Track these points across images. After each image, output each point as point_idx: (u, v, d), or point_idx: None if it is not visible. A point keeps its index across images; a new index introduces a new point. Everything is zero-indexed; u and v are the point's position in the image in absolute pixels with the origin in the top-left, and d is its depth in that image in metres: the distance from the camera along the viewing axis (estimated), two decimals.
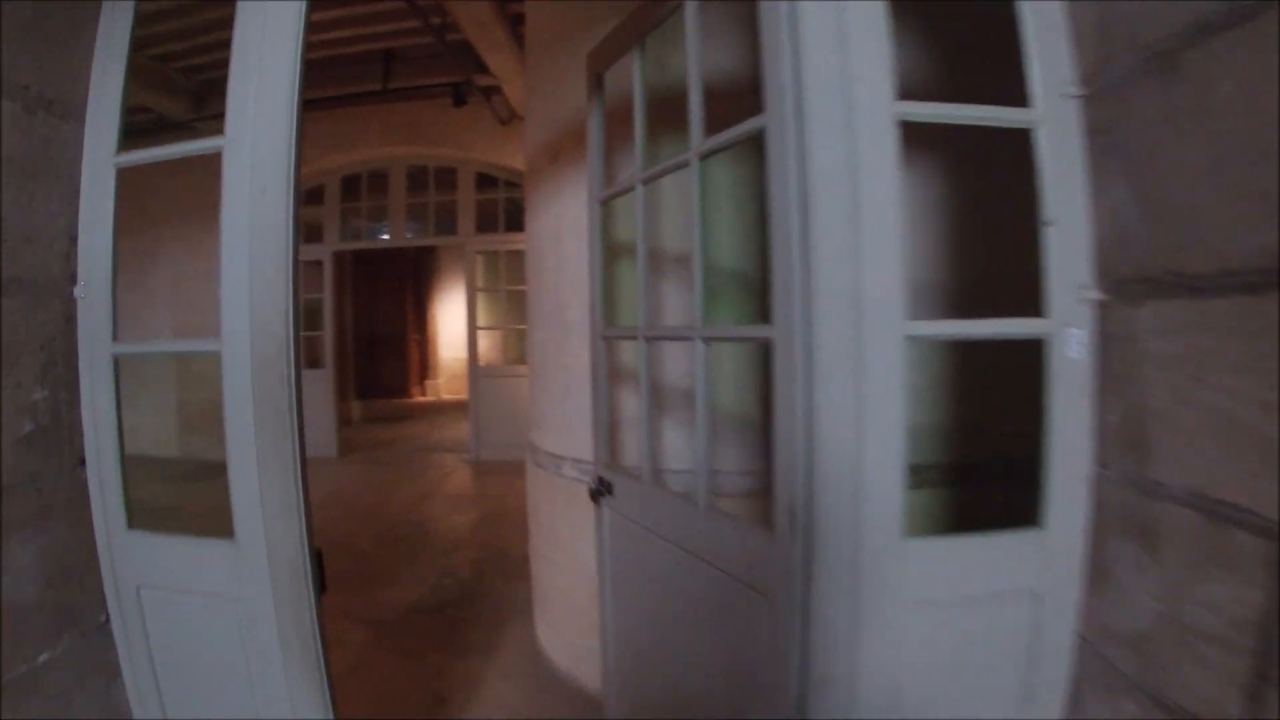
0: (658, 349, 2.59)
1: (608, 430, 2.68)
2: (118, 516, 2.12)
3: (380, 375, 17.43)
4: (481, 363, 9.61)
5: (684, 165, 2.01)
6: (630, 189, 2.33)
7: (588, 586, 2.98)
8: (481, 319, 9.68)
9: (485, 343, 9.94)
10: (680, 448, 2.80)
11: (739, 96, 1.87)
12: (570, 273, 3.32)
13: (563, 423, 3.44)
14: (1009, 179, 1.69)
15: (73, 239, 2.11)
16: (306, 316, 10.22)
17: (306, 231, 10.39)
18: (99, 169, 2.09)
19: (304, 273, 10.25)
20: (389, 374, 17.67)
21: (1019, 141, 1.60)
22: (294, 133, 1.85)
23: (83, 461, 2.14)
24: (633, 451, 2.80)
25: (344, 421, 12.58)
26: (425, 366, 18.46)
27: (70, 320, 2.11)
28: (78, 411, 2.13)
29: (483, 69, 7.26)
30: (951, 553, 1.62)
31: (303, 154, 1.97)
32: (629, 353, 2.85)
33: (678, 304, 2.78)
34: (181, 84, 8.37)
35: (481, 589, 4.93)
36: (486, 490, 7.79)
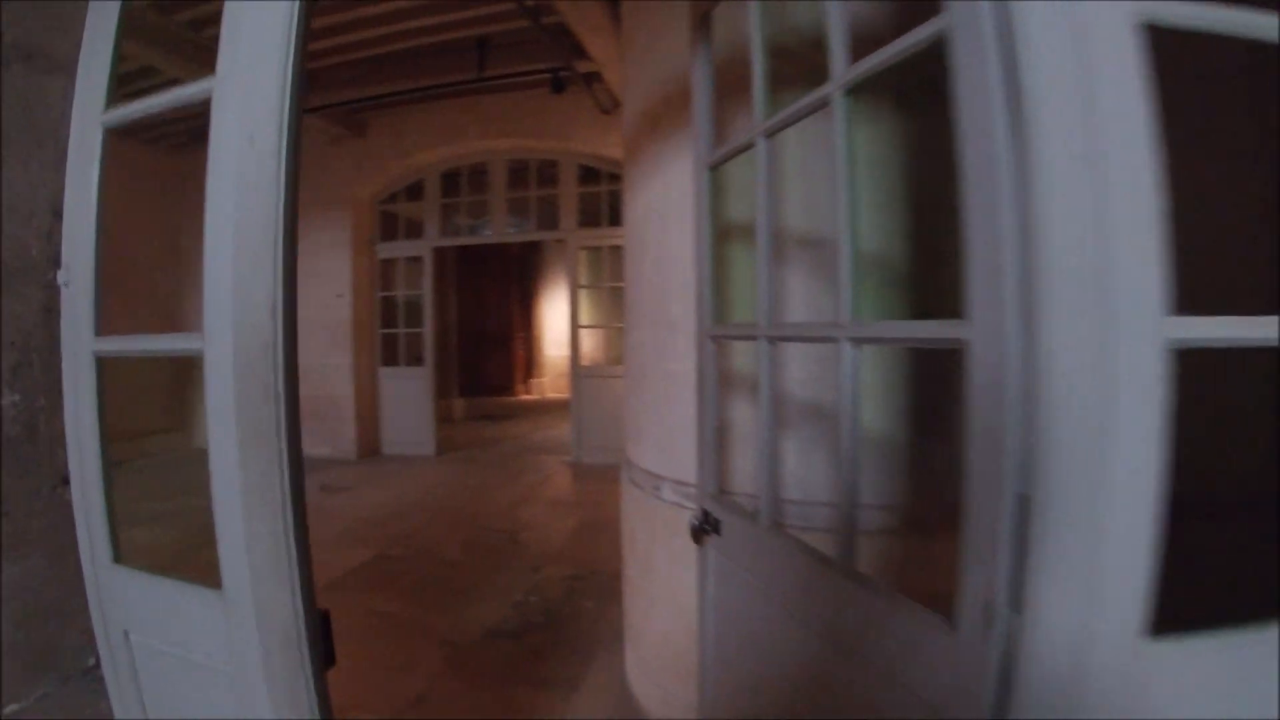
0: (779, 352, 2.05)
1: (716, 450, 2.16)
2: (102, 547, 1.73)
3: (485, 373, 17.32)
4: (584, 362, 9.22)
5: (821, 106, 1.49)
6: (748, 146, 1.82)
7: (686, 627, 2.50)
8: (584, 317, 9.30)
9: (588, 341, 9.56)
10: (800, 473, 2.28)
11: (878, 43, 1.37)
12: (673, 260, 2.81)
13: (663, 437, 2.93)
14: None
15: (58, 214, 1.73)
16: (407, 313, 10.03)
17: (407, 227, 10.20)
18: (86, 129, 1.70)
19: (404, 269, 10.12)
20: (494, 372, 17.55)
21: None
22: (291, 69, 1.39)
23: (66, 480, 1.77)
24: (744, 475, 2.29)
25: (446, 419, 12.43)
26: (530, 364, 18.29)
27: (51, 312, 1.74)
28: (60, 421, 1.74)
29: (582, 54, 6.85)
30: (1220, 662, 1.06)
31: (305, 100, 1.51)
32: (742, 356, 2.34)
33: (801, 297, 2.25)
34: None
35: (570, 611, 4.49)
36: (585, 496, 7.38)
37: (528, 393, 18.10)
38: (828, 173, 1.45)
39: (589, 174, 9.12)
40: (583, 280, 9.30)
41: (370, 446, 10.08)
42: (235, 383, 1.38)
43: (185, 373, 11.52)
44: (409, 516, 6.77)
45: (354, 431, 9.88)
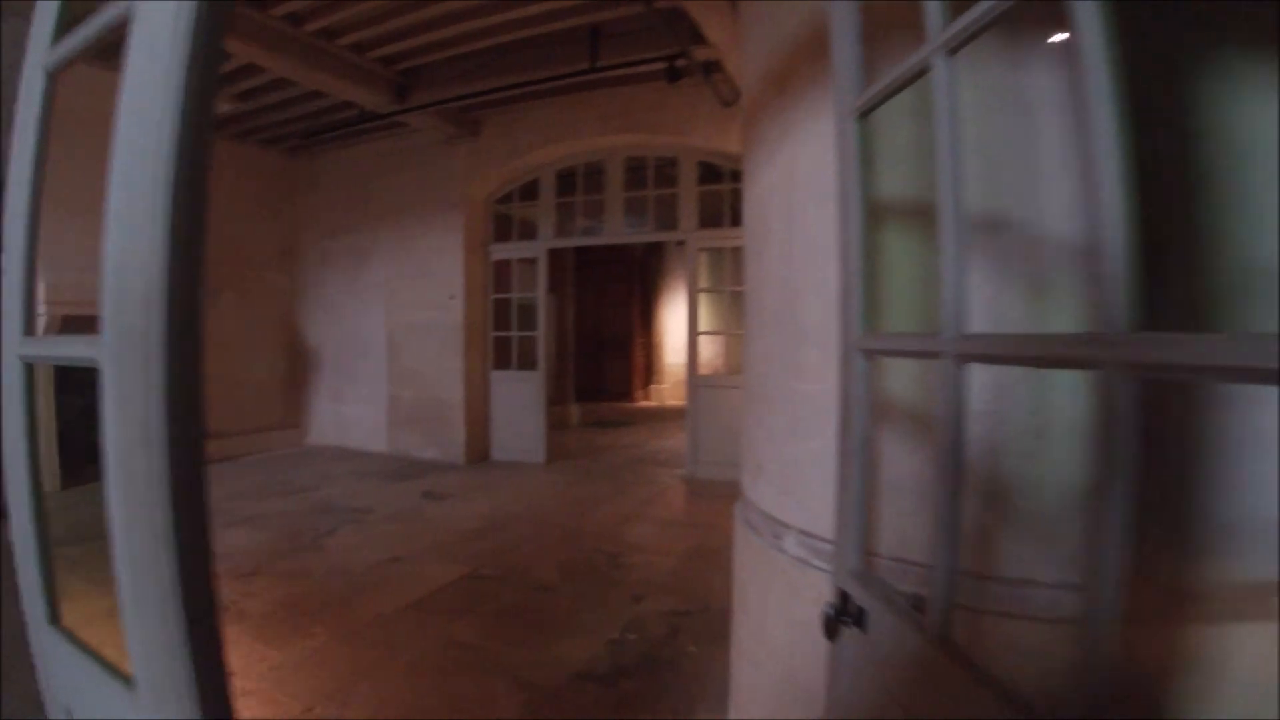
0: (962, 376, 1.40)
1: (862, 507, 1.58)
2: (36, 602, 1.28)
3: (604, 378, 17.02)
4: (702, 370, 8.67)
5: None
6: (918, 74, 1.23)
7: (805, 713, 1.94)
8: (703, 323, 8.76)
9: (707, 349, 9.00)
10: (985, 539, 1.67)
11: None
12: (806, 252, 2.23)
13: (788, 475, 2.34)
14: None
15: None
16: (521, 316, 9.69)
17: (521, 228, 9.86)
18: (29, 73, 1.31)
19: (519, 271, 9.78)
20: (612, 377, 17.23)
21: None
22: None
23: (4, 514, 1.35)
24: (894, 530, 1.70)
25: (560, 425, 12.10)
26: (650, 370, 17.86)
27: None
28: None
29: (699, 39, 6.34)
30: None
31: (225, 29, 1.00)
32: (892, 378, 1.75)
33: (977, 301, 1.63)
34: (380, 74, 7.97)
35: (671, 655, 3.97)
36: (698, 516, 6.85)
37: (646, 399, 17.69)
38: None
39: (709, 172, 8.60)
40: (702, 283, 8.75)
41: (479, 452, 9.79)
42: (111, 405, 0.89)
43: (299, 367, 11.54)
44: (508, 530, 6.38)
45: (463, 436, 9.61)
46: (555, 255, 9.88)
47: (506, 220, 10.00)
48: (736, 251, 8.27)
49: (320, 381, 11.38)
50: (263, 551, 5.87)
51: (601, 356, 17.27)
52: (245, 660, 3.86)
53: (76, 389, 9.01)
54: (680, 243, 16.39)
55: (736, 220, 8.33)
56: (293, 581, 5.12)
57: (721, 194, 8.50)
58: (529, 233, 9.81)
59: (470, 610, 4.53)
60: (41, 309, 7.85)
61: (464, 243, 9.58)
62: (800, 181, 2.28)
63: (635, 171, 9.10)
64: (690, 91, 7.88)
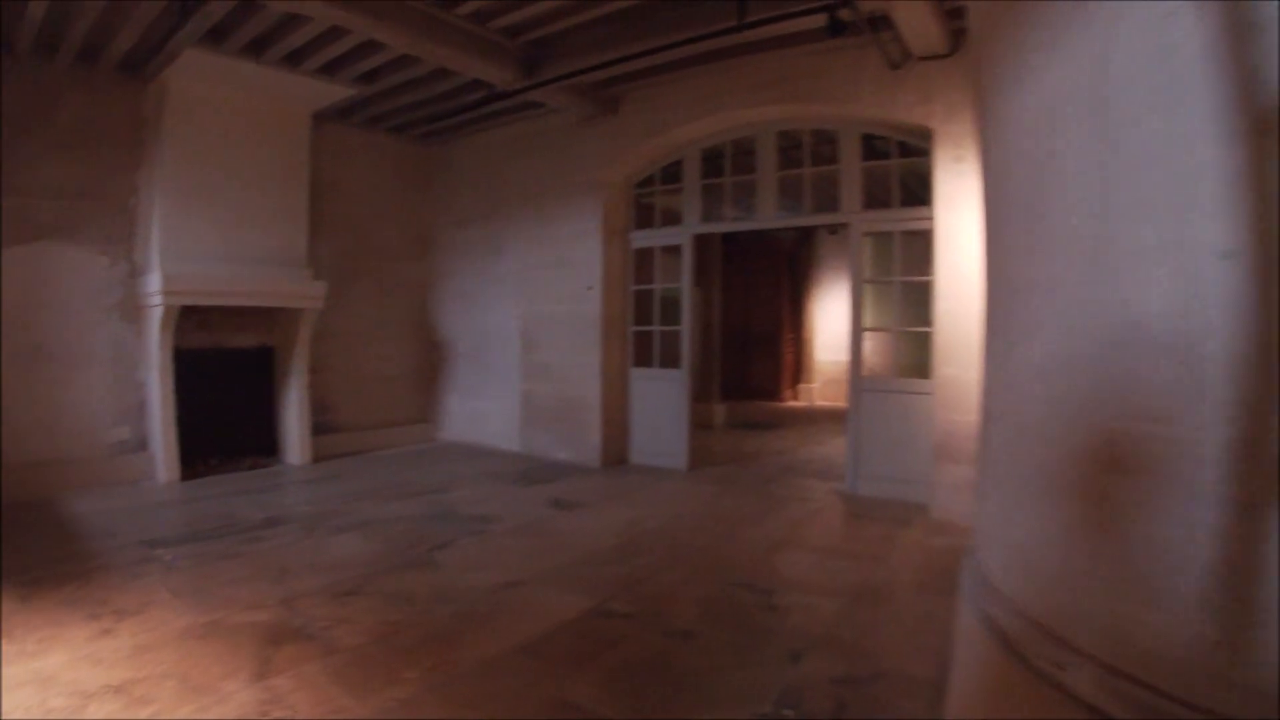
0: None
1: None
2: None
3: (750, 376, 16.15)
4: (865, 371, 7.64)
5: None
6: None
7: None
8: (867, 318, 7.71)
9: (870, 346, 7.91)
10: None
11: None
12: (1140, 191, 1.33)
13: (1099, 573, 1.44)
14: None
15: None
16: (663, 309, 8.91)
17: (664, 214, 9.07)
18: None
19: (661, 260, 8.98)
20: (760, 375, 16.34)
21: None
22: None
23: None
24: None
25: (704, 425, 11.28)
26: (799, 369, 16.82)
27: None
28: None
29: None
30: None
31: None
32: None
33: None
34: (505, 47, 7.33)
35: None
36: (862, 544, 5.88)
37: (795, 399, 16.69)
38: None
39: (874, 146, 7.55)
40: (867, 273, 7.71)
41: (616, 454, 9.09)
42: None
43: (432, 360, 11.13)
44: (643, 552, 5.60)
45: (598, 437, 8.93)
46: (700, 244, 9.03)
47: (648, 205, 9.24)
48: (908, 236, 7.25)
49: (453, 375, 10.95)
50: (369, 565, 5.30)
51: (748, 353, 16.37)
52: (319, 710, 3.22)
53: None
54: (833, 231, 15.67)
55: (909, 199, 7.33)
56: (394, 606, 4.48)
57: (889, 170, 7.44)
58: (672, 218, 9.02)
59: (591, 660, 3.75)
60: (157, 299, 7.62)
61: (602, 230, 8.89)
62: (1120, 81, 1.37)
63: (789, 148, 8.15)
64: (851, 54, 6.92)
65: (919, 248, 7.22)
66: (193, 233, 8.09)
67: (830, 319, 16.59)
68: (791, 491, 7.71)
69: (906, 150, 7.23)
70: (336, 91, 8.46)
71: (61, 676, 3.49)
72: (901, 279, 7.33)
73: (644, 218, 9.26)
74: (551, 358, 9.44)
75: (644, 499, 7.37)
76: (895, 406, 7.25)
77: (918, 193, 7.37)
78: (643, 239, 9.12)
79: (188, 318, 8.18)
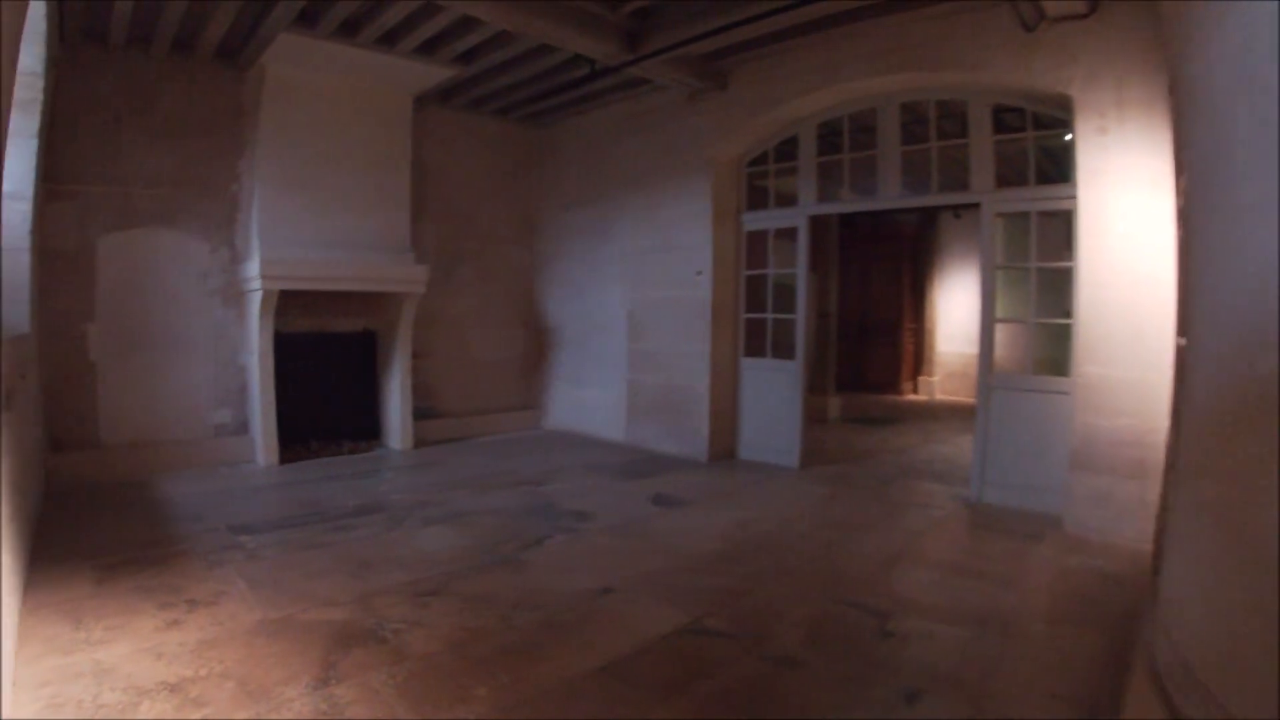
0: None
1: None
2: None
3: (866, 367, 15.47)
4: (995, 366, 6.98)
5: None
6: None
7: None
8: (999, 308, 7.04)
9: (1001, 339, 7.22)
10: None
11: None
12: None
13: None
14: None
15: None
16: (777, 296, 8.42)
17: (778, 194, 8.55)
18: None
19: (775, 244, 8.48)
20: (877, 366, 15.64)
21: None
22: None
23: None
24: None
25: (818, 419, 10.76)
26: (919, 360, 15.99)
27: None
28: None
29: None
30: None
31: None
32: None
33: None
34: (607, 19, 6.95)
35: None
36: (988, 561, 5.28)
37: (914, 393, 15.86)
38: None
39: (1006, 118, 6.87)
40: (1000, 258, 7.02)
41: (724, 448, 8.66)
42: None
43: (538, 345, 10.90)
44: (747, 560, 5.17)
45: (706, 430, 8.52)
46: (817, 227, 8.48)
47: (761, 186, 8.73)
48: (1047, 218, 6.56)
49: (559, 362, 10.70)
50: (455, 562, 5.06)
51: (865, 343, 15.68)
52: None
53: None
54: (958, 214, 14.75)
55: (1046, 176, 6.66)
56: (475, 610, 4.19)
57: (1024, 144, 6.73)
58: (787, 199, 8.48)
59: (681, 688, 3.35)
60: (256, 284, 7.57)
61: (712, 211, 8.44)
62: None
63: (913, 123, 7.52)
64: (980, 16, 6.29)
65: (1058, 230, 6.57)
66: (292, 218, 8.09)
67: (954, 308, 15.69)
68: (910, 496, 7.14)
69: (1042, 122, 6.55)
70: (435, 73, 8.27)
71: (121, 669, 3.35)
72: (1038, 265, 6.65)
73: (757, 199, 8.76)
74: (659, 346, 9.06)
75: (751, 499, 6.93)
76: (1028, 406, 6.61)
77: (1056, 169, 6.70)
78: (755, 221, 8.63)
79: (290, 302, 8.20)
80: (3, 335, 3.90)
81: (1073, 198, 6.07)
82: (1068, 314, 6.24)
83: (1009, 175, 6.99)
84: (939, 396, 15.59)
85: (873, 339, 15.73)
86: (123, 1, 6.30)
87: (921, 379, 15.93)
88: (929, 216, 15.64)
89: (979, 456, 6.91)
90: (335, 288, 8.36)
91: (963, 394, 15.21)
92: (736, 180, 8.67)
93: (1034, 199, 6.60)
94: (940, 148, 7.23)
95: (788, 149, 8.33)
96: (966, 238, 15.14)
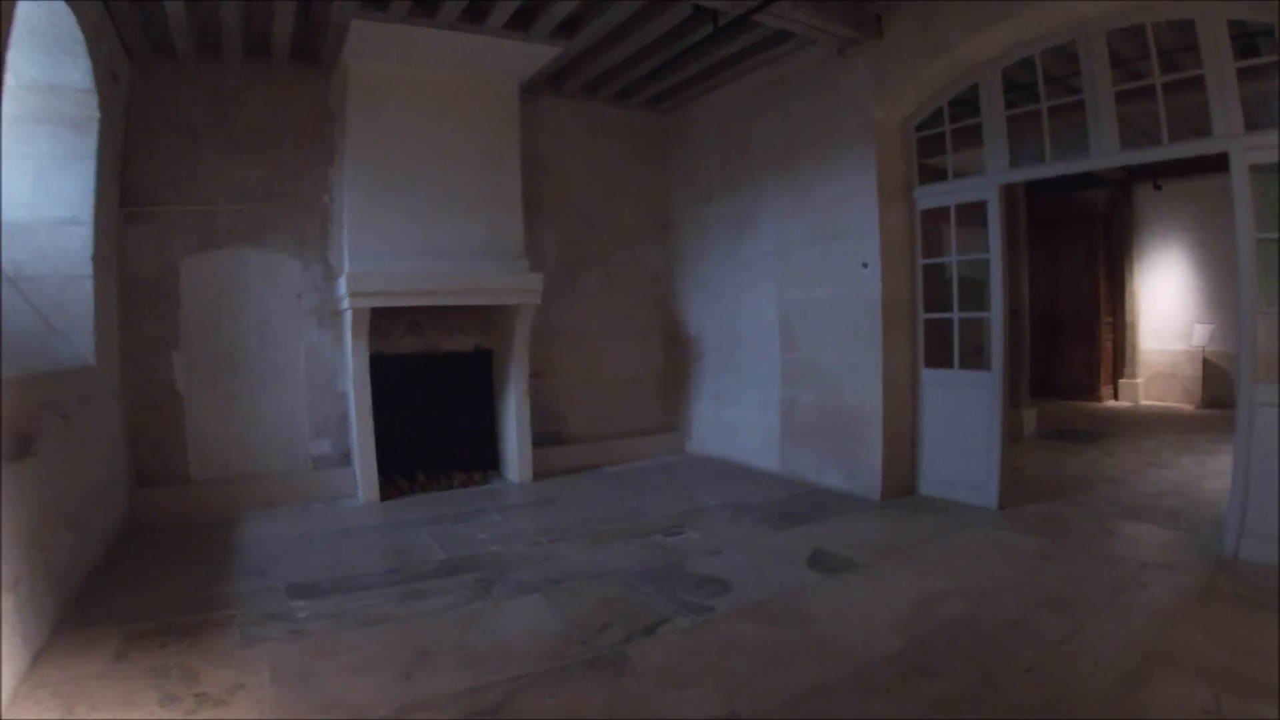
0: None
1: None
2: None
3: (1059, 370, 13.51)
4: (1262, 373, 5.05)
5: None
6: None
7: None
8: (1261, 293, 5.09)
9: (1265, 335, 5.23)
10: None
11: None
12: None
13: None
14: None
15: None
16: (962, 291, 6.78)
17: (956, 163, 6.86)
18: None
19: (957, 224, 6.81)
20: (1071, 369, 13.65)
21: None
22: None
23: None
24: None
25: (1011, 435, 8.96)
26: (1119, 361, 13.79)
27: None
28: None
29: None
30: None
31: None
32: None
33: None
34: None
35: None
36: (1272, 664, 3.51)
37: (1114, 398, 13.68)
38: None
39: (1252, 39, 5.01)
40: (1261, 225, 5.08)
41: (901, 482, 7.03)
42: None
43: (678, 359, 9.58)
44: (938, 669, 3.62)
45: (879, 458, 6.92)
46: (1007, 197, 6.72)
47: (936, 152, 7.03)
48: None
49: (701, 376, 9.30)
50: (537, 658, 3.82)
51: (1056, 342, 13.71)
52: None
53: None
54: (1158, 185, 12.48)
55: None
56: None
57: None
58: (970, 167, 6.75)
59: None
60: (345, 302, 6.69)
61: (877, 188, 6.79)
62: None
63: (1129, 59, 5.76)
64: None
65: None
66: (383, 227, 7.21)
67: (1159, 299, 13.44)
68: (1145, 551, 5.35)
69: None
70: (534, 52, 7.16)
71: None
72: None
73: (931, 169, 7.10)
74: (817, 356, 7.51)
75: (938, 558, 5.31)
76: None
77: None
78: (931, 197, 6.95)
79: (395, 321, 7.53)
80: (1, 377, 3.36)
81: None
82: None
83: (1263, 113, 5.14)
84: (1144, 402, 13.39)
85: (1065, 337, 13.70)
86: (173, 2, 5.65)
87: (1122, 382, 13.72)
88: (1123, 191, 13.53)
89: (1238, 497, 5.06)
90: (435, 302, 7.36)
91: (1172, 399, 13.16)
92: (904, 148, 7.03)
93: None
94: (1166, 84, 5.41)
95: (966, 104, 6.64)
96: (1170, 214, 13.07)
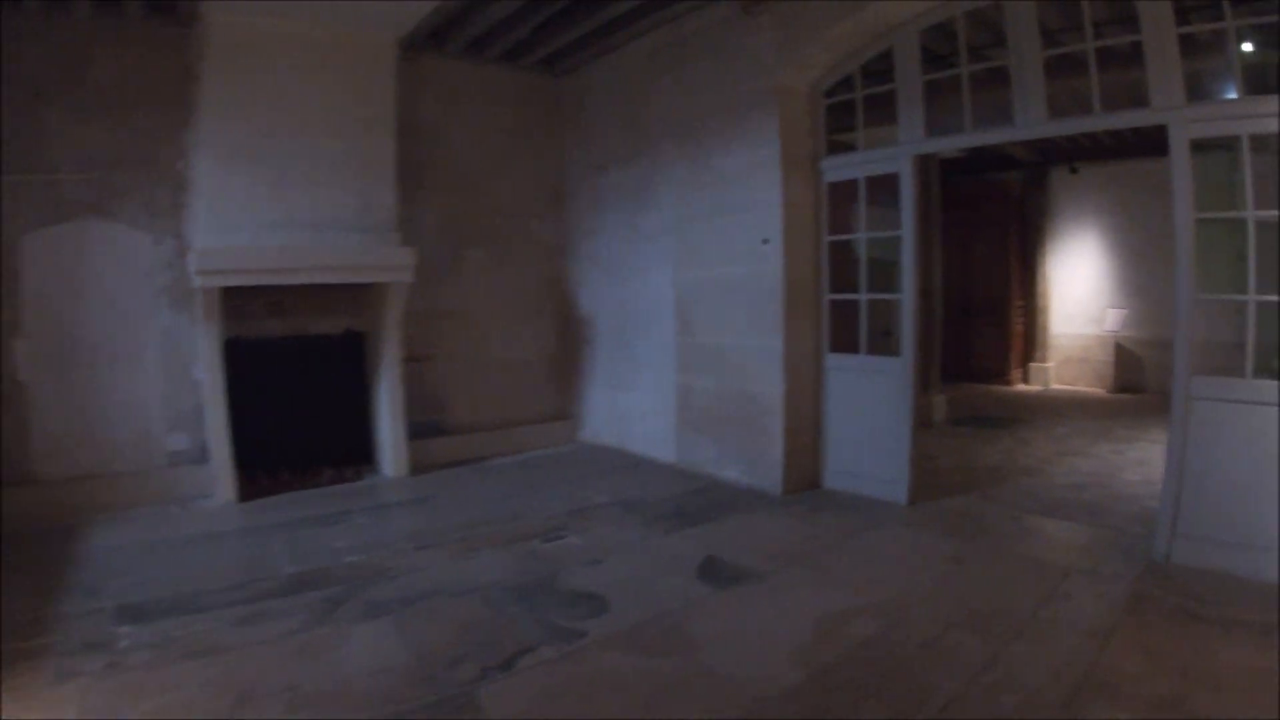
0: None
1: None
2: None
3: (970, 354, 13.24)
4: (1195, 364, 4.64)
5: None
6: None
7: None
8: (1198, 278, 4.66)
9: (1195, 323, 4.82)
10: None
11: None
12: None
13: None
14: None
15: None
16: (871, 271, 6.28)
17: (868, 132, 6.33)
18: None
19: (868, 199, 6.25)
20: (982, 353, 13.41)
21: None
22: None
23: None
24: None
25: (922, 422, 8.56)
26: (1031, 344, 13.60)
27: None
28: None
29: None
30: None
31: None
32: None
33: None
34: None
35: None
36: (1226, 691, 3.11)
37: (1025, 382, 13.49)
38: None
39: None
40: (1196, 206, 4.63)
41: (804, 475, 6.53)
42: None
43: (571, 342, 8.94)
44: (842, 706, 3.09)
45: (780, 450, 6.40)
46: (921, 169, 6.23)
47: (846, 120, 6.46)
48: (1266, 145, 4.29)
49: (595, 361, 8.66)
50: (373, 701, 3.23)
51: (967, 325, 13.37)
52: None
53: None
54: (1074, 168, 12.34)
55: (1261, 85, 4.36)
56: None
57: (1221, 37, 4.50)
58: (882, 137, 6.21)
59: None
60: (196, 280, 5.96)
61: (781, 158, 6.21)
62: None
63: (1059, 14, 5.29)
64: None
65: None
66: (242, 197, 6.42)
67: (1071, 282, 13.30)
68: (1068, 555, 4.94)
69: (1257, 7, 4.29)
70: (412, 7, 6.43)
71: None
72: (1258, 212, 4.36)
73: (840, 139, 6.55)
74: (716, 340, 6.93)
75: (845, 565, 4.79)
76: (1247, 425, 4.35)
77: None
78: (840, 168, 6.40)
79: (255, 301, 6.75)
80: None
81: None
82: None
83: (1206, 84, 4.73)
84: (1055, 386, 13.24)
85: (978, 320, 13.41)
86: None
87: (1033, 366, 13.55)
88: (1038, 174, 13.34)
89: (1170, 496, 4.66)
90: (295, 280, 6.58)
91: (1083, 383, 13.04)
92: (813, 116, 6.47)
93: (1247, 116, 4.33)
94: (1101, 48, 4.95)
95: (880, 68, 6.10)
96: (1084, 197, 12.94)
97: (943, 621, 3.88)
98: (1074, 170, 12.74)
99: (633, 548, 5.16)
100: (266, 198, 6.46)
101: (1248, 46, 4.55)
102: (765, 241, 6.31)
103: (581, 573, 4.67)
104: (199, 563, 5.00)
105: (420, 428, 7.65)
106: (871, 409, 6.21)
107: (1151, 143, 11.23)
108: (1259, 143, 4.31)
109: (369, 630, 3.92)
